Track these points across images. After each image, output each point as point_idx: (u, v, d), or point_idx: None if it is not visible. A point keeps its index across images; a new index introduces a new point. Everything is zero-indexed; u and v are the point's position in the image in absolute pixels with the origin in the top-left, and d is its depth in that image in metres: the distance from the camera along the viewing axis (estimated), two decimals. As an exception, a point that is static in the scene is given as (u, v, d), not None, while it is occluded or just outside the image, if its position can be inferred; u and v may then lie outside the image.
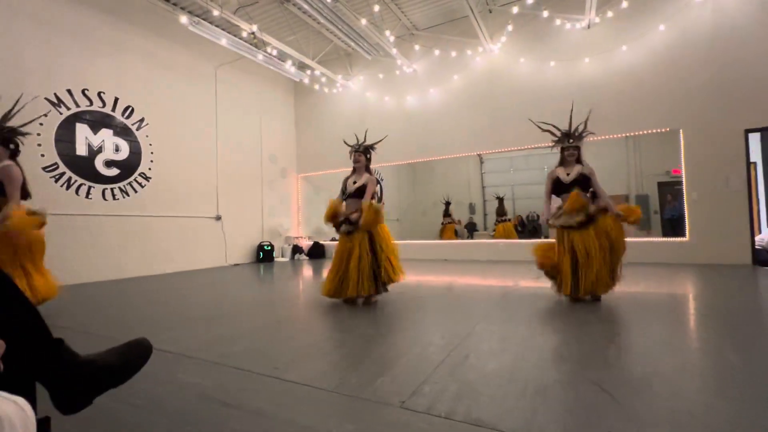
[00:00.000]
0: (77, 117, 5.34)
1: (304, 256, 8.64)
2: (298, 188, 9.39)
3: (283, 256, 8.52)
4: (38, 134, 4.84)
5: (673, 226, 6.72)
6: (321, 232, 9.08)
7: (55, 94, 5.09)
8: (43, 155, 4.97)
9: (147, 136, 6.16)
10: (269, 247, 8.08)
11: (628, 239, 3.18)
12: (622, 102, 6.12)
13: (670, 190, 7.04)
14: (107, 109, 5.67)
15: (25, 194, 3.16)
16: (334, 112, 8.82)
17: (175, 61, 6.67)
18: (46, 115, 4.94)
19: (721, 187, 5.51)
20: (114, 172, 5.73)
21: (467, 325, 2.51)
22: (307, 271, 6.35)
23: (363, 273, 3.18)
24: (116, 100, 5.77)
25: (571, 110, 3.56)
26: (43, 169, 4.96)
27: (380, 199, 8.98)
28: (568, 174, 3.31)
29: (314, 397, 1.53)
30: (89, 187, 5.43)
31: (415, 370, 1.75)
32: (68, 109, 5.23)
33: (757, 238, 5.71)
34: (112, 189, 5.69)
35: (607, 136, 6.19)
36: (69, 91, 5.24)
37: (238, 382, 1.68)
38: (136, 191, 5.98)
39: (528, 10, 6.45)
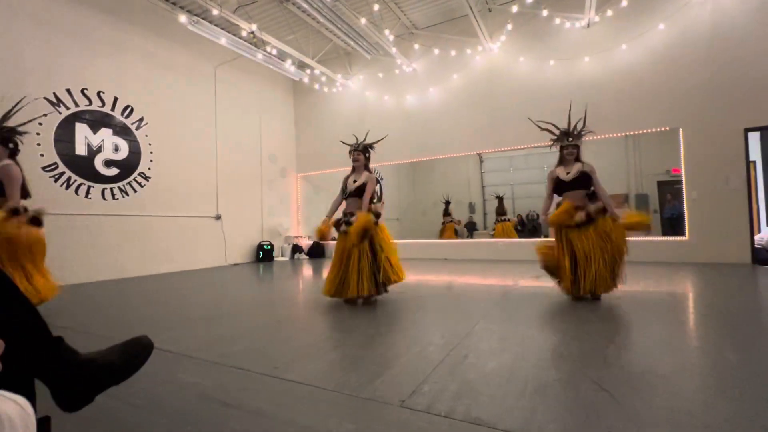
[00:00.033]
0: (77, 117, 5.33)
1: (303, 256, 8.64)
2: (298, 188, 9.39)
3: (282, 256, 8.52)
4: (38, 134, 4.84)
5: (673, 225, 6.73)
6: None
7: (54, 93, 5.09)
8: (42, 155, 4.96)
9: (146, 136, 6.16)
10: (269, 247, 8.08)
11: (628, 238, 3.17)
12: (621, 101, 6.12)
13: (669, 189, 7.04)
14: (107, 109, 5.67)
15: (25, 194, 3.15)
16: (333, 111, 8.81)
17: (175, 60, 6.66)
18: (45, 115, 4.94)
19: (720, 186, 5.51)
20: (113, 171, 5.72)
21: (467, 325, 2.51)
22: (307, 270, 6.35)
23: (363, 273, 3.18)
24: (116, 99, 5.77)
25: (570, 110, 3.56)
26: (43, 168, 4.96)
27: (380, 198, 9.00)
28: (567, 173, 3.30)
29: (314, 396, 1.53)
30: (89, 187, 5.42)
31: (414, 370, 1.75)
32: (68, 108, 5.23)
33: (757, 237, 5.72)
34: (111, 189, 5.68)
35: (606, 136, 6.19)
36: (68, 90, 5.24)
37: (238, 382, 1.68)
38: (135, 191, 5.97)
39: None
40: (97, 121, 5.56)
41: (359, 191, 3.40)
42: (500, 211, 9.07)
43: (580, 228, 3.12)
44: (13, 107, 3.33)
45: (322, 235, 3.43)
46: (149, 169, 6.18)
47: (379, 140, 3.80)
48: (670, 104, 5.83)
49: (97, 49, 5.58)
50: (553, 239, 3.36)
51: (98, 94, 5.57)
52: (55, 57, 5.11)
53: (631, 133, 6.19)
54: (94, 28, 5.56)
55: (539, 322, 2.58)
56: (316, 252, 8.72)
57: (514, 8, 6.35)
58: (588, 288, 3.04)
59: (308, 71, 7.94)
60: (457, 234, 9.26)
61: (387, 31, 6.81)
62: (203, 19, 6.06)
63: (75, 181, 5.28)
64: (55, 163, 5.09)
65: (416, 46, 7.70)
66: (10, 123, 3.27)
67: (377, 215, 3.35)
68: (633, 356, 1.89)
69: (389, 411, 1.38)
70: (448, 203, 9.58)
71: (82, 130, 5.39)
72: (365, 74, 8.36)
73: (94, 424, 1.34)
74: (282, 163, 8.95)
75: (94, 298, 4.06)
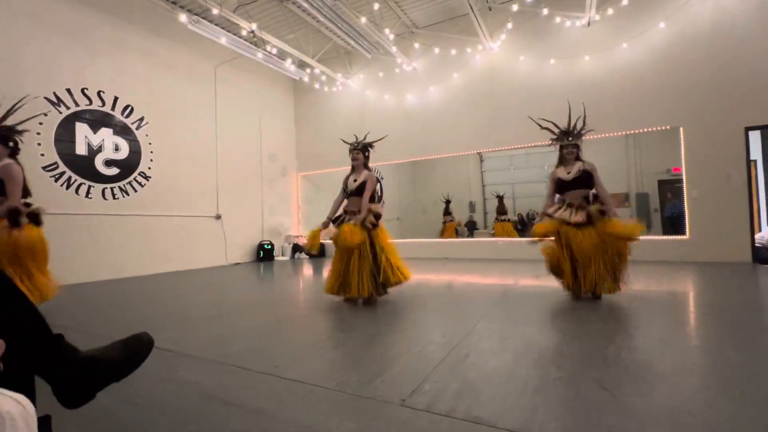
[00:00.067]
0: (77, 116, 5.33)
1: (304, 255, 8.64)
2: (298, 187, 9.39)
3: (283, 255, 8.52)
4: (38, 134, 4.84)
5: (674, 224, 6.71)
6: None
7: (54, 93, 5.09)
8: (42, 155, 4.96)
9: (147, 135, 6.16)
10: (269, 246, 8.08)
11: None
12: (622, 100, 6.11)
13: (670, 188, 7.02)
14: (107, 108, 5.67)
15: (26, 193, 3.15)
16: (333, 110, 8.81)
17: (175, 60, 6.66)
18: (45, 114, 4.94)
19: (721, 184, 5.50)
20: (114, 171, 5.72)
21: (467, 324, 2.51)
22: (308, 269, 6.35)
23: (363, 273, 3.19)
24: (116, 99, 5.77)
25: (569, 110, 3.55)
26: (43, 168, 4.96)
27: (380, 198, 8.99)
28: (568, 172, 3.30)
29: (315, 395, 1.53)
30: (89, 187, 5.42)
31: (415, 369, 1.75)
32: (68, 108, 5.23)
33: (758, 236, 5.72)
34: (111, 188, 5.68)
35: (607, 134, 6.18)
36: (68, 90, 5.24)
37: (239, 381, 1.69)
38: (135, 190, 5.97)
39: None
40: (98, 120, 5.56)
41: (360, 190, 3.40)
42: (501, 210, 9.06)
43: (580, 228, 3.11)
44: (13, 106, 3.32)
45: (313, 241, 3.47)
46: (149, 168, 6.18)
47: (379, 140, 3.80)
48: (670, 103, 5.82)
49: (97, 49, 5.57)
50: (551, 239, 3.35)
51: (98, 93, 5.57)
52: (55, 57, 5.11)
53: (632, 131, 6.19)
54: (94, 27, 5.56)
55: (540, 322, 2.58)
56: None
57: (515, 7, 6.34)
58: (588, 288, 3.04)
59: (308, 70, 7.94)
60: (457, 233, 9.26)
61: (387, 30, 6.80)
62: (203, 18, 6.06)
63: (75, 180, 5.28)
64: (56, 162, 5.09)
65: (416, 45, 7.69)
66: (9, 122, 3.26)
67: (377, 216, 3.34)
68: (634, 355, 1.89)
69: (390, 410, 1.38)
70: (448, 202, 9.57)
71: (82, 130, 5.39)
72: (365, 73, 8.35)
73: (95, 423, 1.34)
74: (282, 163, 8.95)
75: (94, 298, 4.06)
